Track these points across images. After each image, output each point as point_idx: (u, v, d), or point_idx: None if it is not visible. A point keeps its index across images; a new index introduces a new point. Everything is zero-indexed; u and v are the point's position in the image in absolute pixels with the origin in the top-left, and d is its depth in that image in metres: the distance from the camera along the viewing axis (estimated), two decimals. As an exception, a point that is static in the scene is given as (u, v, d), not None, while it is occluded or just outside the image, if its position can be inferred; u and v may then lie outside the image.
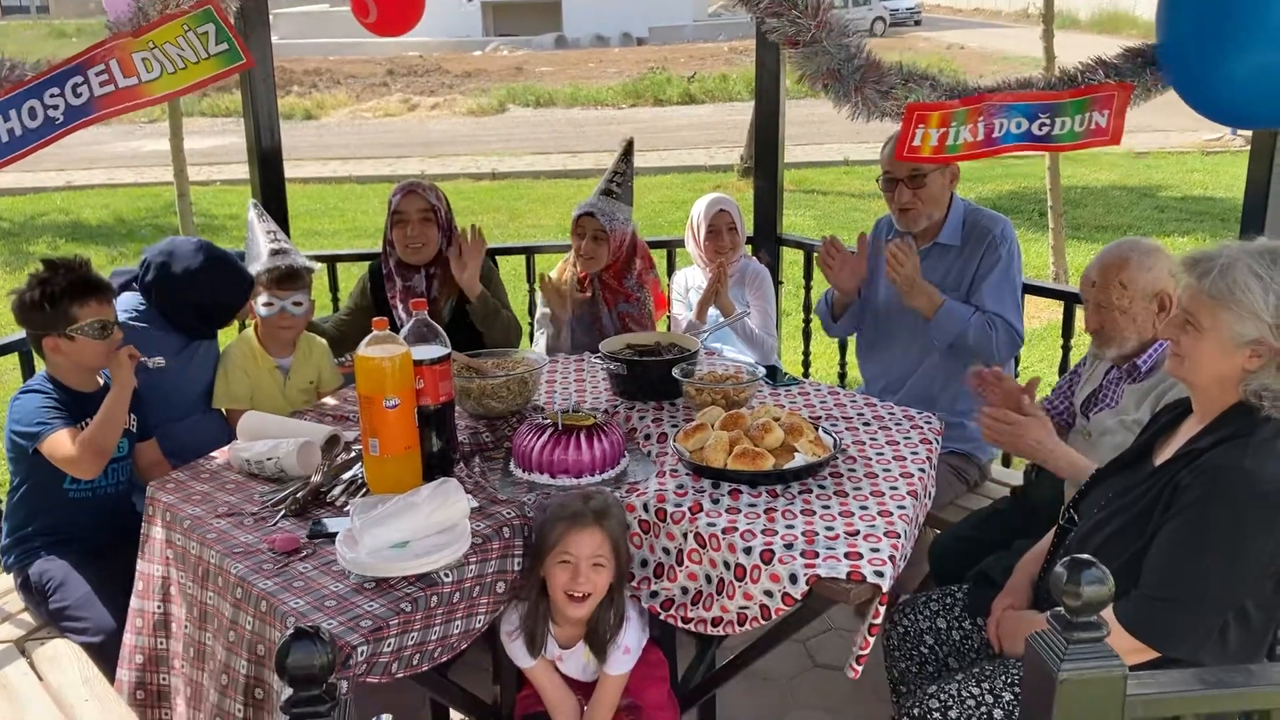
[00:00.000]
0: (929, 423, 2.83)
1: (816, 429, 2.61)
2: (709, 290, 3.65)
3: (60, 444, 2.63)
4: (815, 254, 3.44)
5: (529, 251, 4.24)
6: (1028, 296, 3.56)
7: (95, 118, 1.85)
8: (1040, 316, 6.44)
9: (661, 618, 2.40)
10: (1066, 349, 3.53)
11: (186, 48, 1.81)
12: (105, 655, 2.57)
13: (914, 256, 3.10)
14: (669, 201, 10.86)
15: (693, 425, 2.62)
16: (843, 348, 4.03)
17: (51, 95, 1.79)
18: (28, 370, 3.29)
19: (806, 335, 4.20)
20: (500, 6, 33.51)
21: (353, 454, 2.63)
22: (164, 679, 2.49)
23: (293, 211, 11.76)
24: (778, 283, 4.13)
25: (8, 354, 3.32)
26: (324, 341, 3.54)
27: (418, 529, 2.18)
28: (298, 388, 3.37)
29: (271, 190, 3.89)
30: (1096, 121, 1.95)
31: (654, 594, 2.39)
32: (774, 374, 3.18)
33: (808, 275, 4.14)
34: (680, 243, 4.26)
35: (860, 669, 2.17)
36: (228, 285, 3.16)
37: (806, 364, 4.24)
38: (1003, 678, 2.18)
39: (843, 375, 4.09)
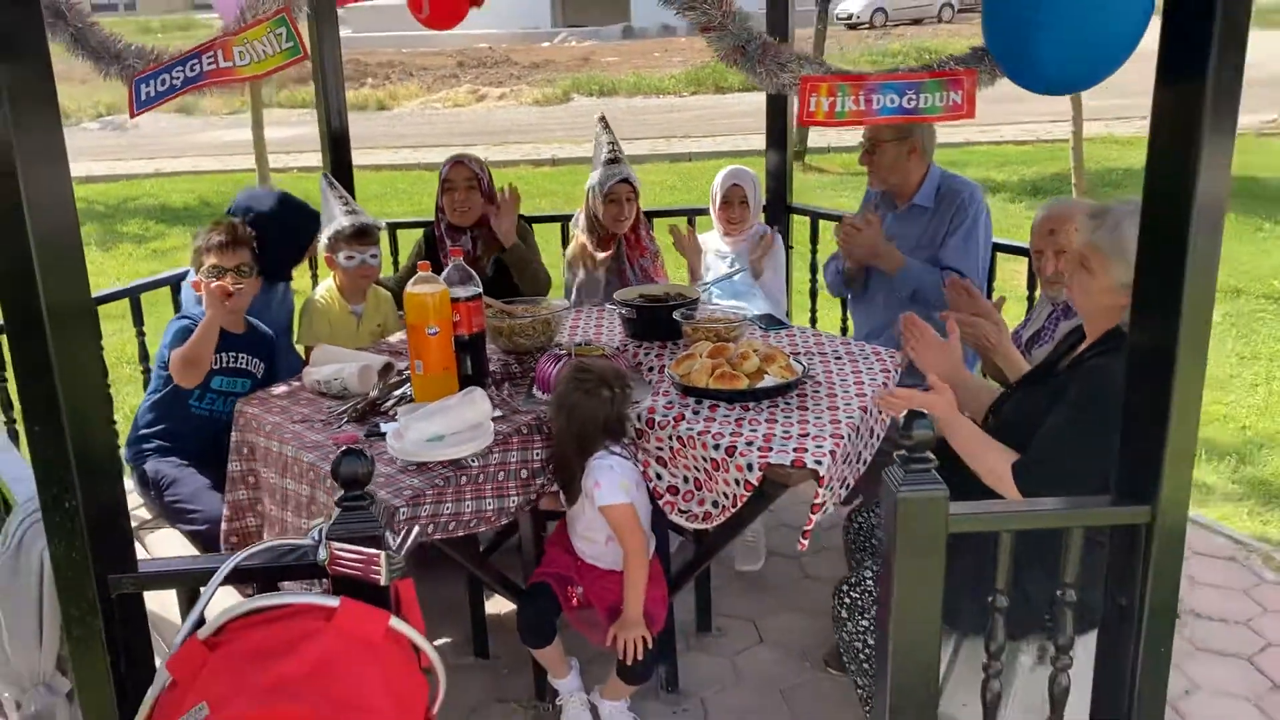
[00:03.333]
0: (891, 357, 3.30)
1: (790, 359, 3.10)
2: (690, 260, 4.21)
3: (174, 354, 3.25)
4: (835, 230, 3.89)
5: (563, 220, 4.78)
6: (1007, 256, 4.03)
7: (203, 84, 2.43)
8: (1021, 272, 6.80)
9: (661, 503, 2.90)
10: (1030, 299, 3.97)
11: (267, 43, 2.40)
12: (209, 544, 3.16)
13: (870, 230, 3.59)
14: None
15: (684, 354, 3.13)
16: (844, 305, 4.49)
17: (175, 71, 2.38)
18: (135, 314, 3.93)
19: (813, 294, 4.67)
20: (569, -4, 34.18)
21: (403, 377, 3.18)
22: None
23: (365, 195, 12.49)
24: (789, 247, 4.60)
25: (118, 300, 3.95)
26: (389, 293, 4.10)
27: (450, 425, 2.71)
28: (368, 330, 3.94)
29: (340, 168, 4.46)
30: (954, 99, 2.41)
31: (658, 476, 2.89)
32: (768, 321, 3.68)
33: (814, 240, 4.61)
34: (696, 211, 4.78)
35: (806, 543, 2.65)
36: (299, 220, 3.75)
37: (813, 319, 4.71)
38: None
39: (845, 329, 4.55)
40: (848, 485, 2.81)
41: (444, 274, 3.04)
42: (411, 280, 2.94)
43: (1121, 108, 16.13)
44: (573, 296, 4.28)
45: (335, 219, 3.94)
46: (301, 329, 3.95)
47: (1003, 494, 2.45)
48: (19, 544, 1.92)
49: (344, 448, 1.78)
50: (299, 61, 2.51)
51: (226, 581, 1.78)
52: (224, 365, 3.41)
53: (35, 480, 1.72)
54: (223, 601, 1.75)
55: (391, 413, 3.00)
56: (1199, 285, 1.74)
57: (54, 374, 1.64)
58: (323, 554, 1.77)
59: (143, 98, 2.37)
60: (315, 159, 14.00)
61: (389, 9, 34.45)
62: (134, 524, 3.36)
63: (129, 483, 3.52)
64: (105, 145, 17.26)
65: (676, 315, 3.38)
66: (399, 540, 1.87)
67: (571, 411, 2.76)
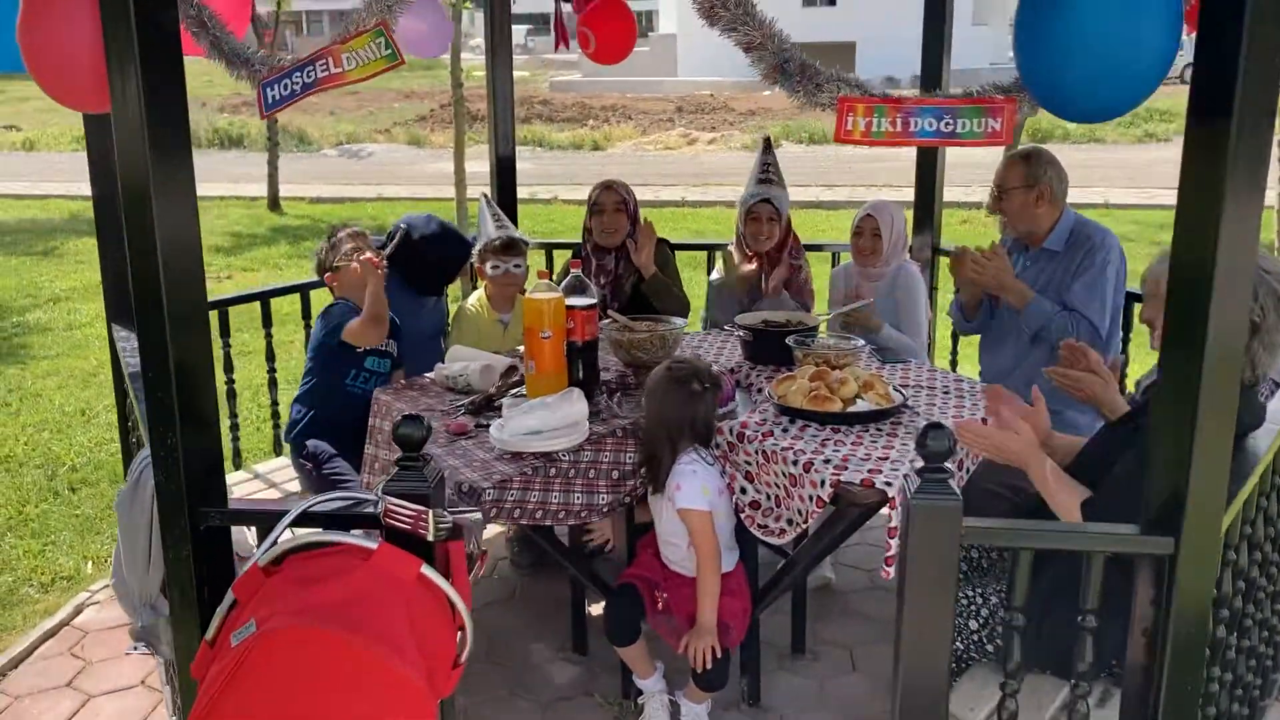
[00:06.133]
0: (999, 395, 3.29)
1: (890, 388, 3.15)
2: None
3: (352, 326, 3.67)
4: (949, 261, 3.92)
5: (709, 249, 4.94)
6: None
7: (318, 89, 2.74)
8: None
9: (743, 517, 3.01)
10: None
11: (369, 51, 2.69)
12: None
13: (998, 260, 3.57)
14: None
15: (785, 376, 3.23)
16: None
17: (295, 76, 2.71)
18: (304, 308, 4.38)
19: (954, 336, 4.66)
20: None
21: (521, 378, 3.41)
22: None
23: (563, 225, 12.98)
24: (933, 288, 4.61)
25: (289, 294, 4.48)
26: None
27: (547, 420, 2.91)
28: (513, 338, 4.21)
29: (504, 190, 4.81)
30: (992, 126, 2.41)
31: (742, 490, 3.00)
32: (887, 355, 3.73)
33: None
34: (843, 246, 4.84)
35: (891, 570, 2.69)
36: (453, 244, 4.10)
37: (954, 363, 4.69)
38: (993, 585, 2.66)
39: (983, 372, 4.51)
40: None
41: (562, 283, 3.26)
42: (531, 287, 3.17)
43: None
44: (710, 313, 4.43)
45: (489, 234, 4.26)
46: (453, 334, 4.28)
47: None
48: (138, 479, 2.23)
49: (406, 414, 1.99)
50: (397, 66, 2.79)
51: (298, 524, 2.01)
52: (373, 346, 3.75)
53: (148, 418, 2.01)
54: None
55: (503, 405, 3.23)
56: (1224, 319, 1.73)
57: (168, 346, 1.93)
58: (380, 507, 1.99)
59: (269, 100, 2.71)
60: (522, 192, 14.78)
61: (617, 54, 35.69)
62: (282, 495, 3.78)
63: (283, 460, 3.92)
64: (341, 170, 18.67)
65: (789, 341, 3.48)
66: (464, 511, 2.06)
67: (664, 398, 2.91)
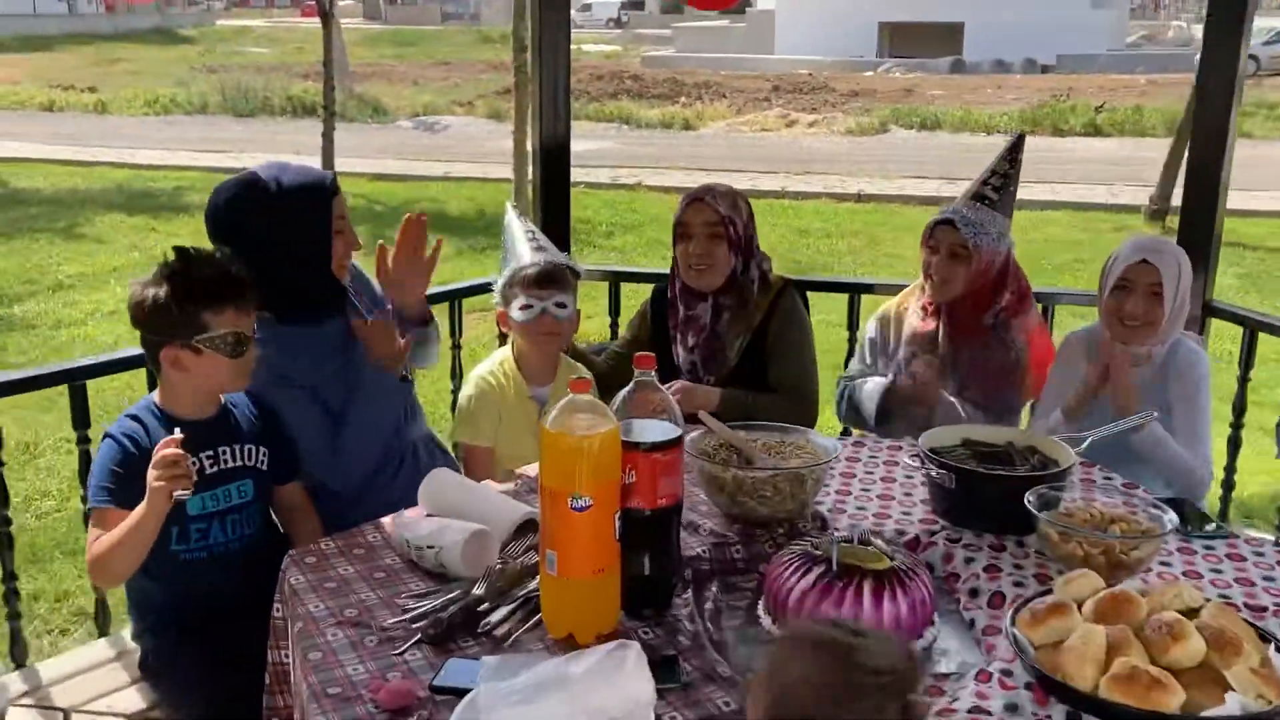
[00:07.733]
0: None
1: (1267, 643, 1.55)
2: (1094, 382, 2.56)
3: (94, 532, 2.06)
4: None
5: (854, 290, 3.32)
6: None
7: None
8: None
9: None
10: None
11: None
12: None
13: None
14: (1056, 241, 9.48)
15: (1050, 603, 1.63)
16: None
17: None
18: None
19: (1234, 444, 2.99)
20: (899, 28, 32.32)
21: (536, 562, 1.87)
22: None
23: (644, 219, 11.38)
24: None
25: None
26: (590, 375, 2.80)
27: (567, 716, 1.38)
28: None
29: (553, 190, 3.27)
30: None
31: None
32: (1182, 512, 2.10)
33: (1246, 363, 2.93)
34: (1065, 296, 3.23)
35: None
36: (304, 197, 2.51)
37: (1227, 490, 3.01)
38: None
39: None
40: None
41: (617, 397, 1.71)
42: (557, 408, 1.62)
43: None
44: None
45: (521, 259, 2.76)
46: (459, 419, 2.78)
47: None
48: None
49: None
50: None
51: None
52: (198, 473, 2.08)
53: None
54: None
55: (499, 633, 1.69)
56: None
57: None
58: None
59: None
60: (603, 176, 13.24)
61: (715, 30, 34.09)
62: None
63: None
64: (413, 143, 17.34)
65: (1031, 500, 1.89)
66: None
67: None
